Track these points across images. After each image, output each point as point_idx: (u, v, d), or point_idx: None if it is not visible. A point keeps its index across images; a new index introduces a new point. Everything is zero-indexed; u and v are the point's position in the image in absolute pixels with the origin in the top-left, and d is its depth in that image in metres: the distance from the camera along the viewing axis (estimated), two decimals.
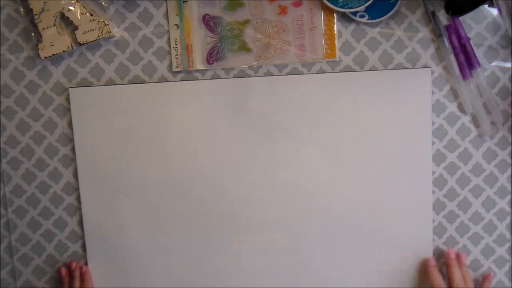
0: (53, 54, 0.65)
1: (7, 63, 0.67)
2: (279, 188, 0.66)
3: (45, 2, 0.64)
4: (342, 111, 0.65)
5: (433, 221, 0.67)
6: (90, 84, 0.67)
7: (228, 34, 0.65)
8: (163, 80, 0.67)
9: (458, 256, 0.66)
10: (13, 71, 0.67)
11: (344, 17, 0.64)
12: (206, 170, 0.67)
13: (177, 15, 0.65)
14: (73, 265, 0.68)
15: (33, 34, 0.66)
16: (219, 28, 0.65)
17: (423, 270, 0.66)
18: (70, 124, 0.67)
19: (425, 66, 0.65)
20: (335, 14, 0.64)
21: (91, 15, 0.64)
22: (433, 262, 0.65)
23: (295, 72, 0.66)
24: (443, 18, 0.64)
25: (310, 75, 0.66)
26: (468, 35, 0.63)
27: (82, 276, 0.68)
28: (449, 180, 0.66)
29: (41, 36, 0.65)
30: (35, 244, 0.70)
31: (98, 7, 0.66)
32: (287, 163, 0.66)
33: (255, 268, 0.68)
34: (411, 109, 0.65)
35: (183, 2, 0.65)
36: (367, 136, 0.65)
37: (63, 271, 0.68)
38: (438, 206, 0.67)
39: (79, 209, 0.69)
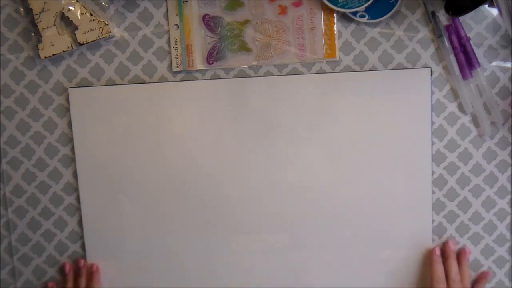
0: (53, 54, 0.65)
1: (7, 63, 0.67)
2: (279, 188, 0.66)
3: (45, 2, 0.64)
4: (342, 111, 0.65)
5: (433, 221, 0.67)
6: (90, 84, 0.67)
7: (228, 34, 0.65)
8: (163, 80, 0.67)
9: (462, 251, 0.66)
10: (13, 71, 0.67)
11: (344, 17, 0.64)
12: (206, 170, 0.67)
13: (177, 15, 0.65)
14: (81, 262, 0.68)
15: (33, 34, 0.66)
16: (219, 28, 0.65)
17: (426, 260, 0.66)
18: (70, 124, 0.67)
19: (425, 66, 0.65)
20: (335, 14, 0.64)
21: (91, 15, 0.64)
22: (438, 252, 0.65)
23: (295, 72, 0.66)
24: (443, 18, 0.64)
25: (310, 75, 0.66)
26: (468, 35, 0.63)
27: (92, 275, 0.68)
28: (449, 180, 0.66)
29: (41, 36, 0.65)
30: (35, 244, 0.70)
31: (98, 7, 0.66)
32: (287, 163, 0.66)
33: (255, 268, 0.68)
34: (411, 109, 0.65)
35: (183, 2, 0.65)
36: (367, 136, 0.65)
37: (67, 267, 0.68)
38: (438, 206, 0.67)
39: (79, 209, 0.69)
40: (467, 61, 0.63)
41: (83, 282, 0.67)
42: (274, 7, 0.65)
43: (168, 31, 0.66)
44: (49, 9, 0.64)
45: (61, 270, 0.70)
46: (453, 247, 0.66)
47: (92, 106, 0.67)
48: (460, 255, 0.66)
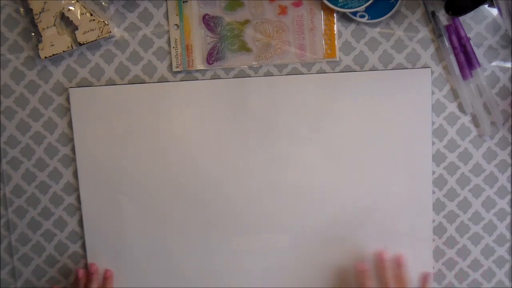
0: (53, 54, 0.65)
1: (7, 63, 0.67)
2: (279, 188, 0.66)
3: (45, 2, 0.64)
4: (342, 111, 0.65)
5: (433, 221, 0.67)
6: (90, 84, 0.67)
7: (228, 34, 0.65)
8: (163, 80, 0.67)
9: (396, 258, 0.65)
10: (13, 71, 0.67)
11: (344, 17, 0.64)
12: (206, 170, 0.67)
13: (177, 15, 0.65)
14: (94, 267, 0.67)
15: (33, 34, 0.66)
16: (219, 28, 0.65)
17: (356, 274, 0.66)
18: (70, 124, 0.67)
19: (425, 66, 0.65)
20: (335, 14, 0.64)
21: (91, 15, 0.64)
22: (363, 267, 0.65)
23: (295, 72, 0.66)
24: (443, 18, 0.64)
25: (310, 75, 0.66)
26: (468, 35, 0.63)
27: (105, 280, 0.67)
28: (449, 180, 0.66)
29: (41, 36, 0.65)
30: (35, 244, 0.70)
31: (98, 7, 0.66)
32: (287, 163, 0.66)
33: (255, 268, 0.68)
34: (411, 109, 0.65)
35: (183, 2, 0.65)
36: (367, 136, 0.65)
37: (81, 273, 0.67)
38: (438, 206, 0.67)
39: (79, 209, 0.69)
40: (467, 61, 0.63)
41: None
42: (274, 7, 0.65)
43: (168, 31, 0.66)
44: (49, 9, 0.64)
45: (61, 271, 0.70)
46: (384, 257, 0.65)
47: (92, 106, 0.67)
48: (397, 264, 0.65)
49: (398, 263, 0.65)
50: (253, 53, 0.66)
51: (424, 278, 0.66)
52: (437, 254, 0.67)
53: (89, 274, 0.67)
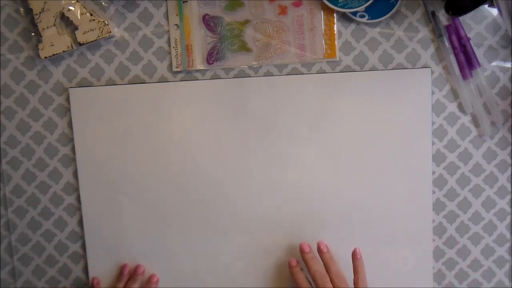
0: (53, 54, 0.65)
1: (7, 63, 0.67)
2: (279, 188, 0.66)
3: (45, 2, 0.64)
4: (342, 111, 0.65)
5: (433, 221, 0.67)
6: (90, 84, 0.67)
7: (228, 34, 0.65)
8: (163, 80, 0.67)
9: (318, 248, 0.65)
10: (13, 71, 0.67)
11: (344, 17, 0.64)
12: (206, 170, 0.67)
13: (177, 15, 0.65)
14: (141, 269, 0.67)
15: (33, 34, 0.66)
16: (219, 28, 0.65)
17: (288, 272, 0.66)
18: (70, 124, 0.67)
19: (425, 66, 0.65)
20: (335, 14, 0.64)
21: (91, 15, 0.64)
22: (294, 263, 0.65)
23: (295, 72, 0.66)
24: (443, 18, 0.64)
25: (310, 75, 0.66)
26: (468, 35, 0.63)
27: (149, 284, 0.67)
28: (449, 180, 0.66)
29: (41, 36, 0.65)
30: (35, 244, 0.70)
31: (98, 7, 0.66)
32: (287, 163, 0.66)
33: (255, 268, 0.68)
34: (411, 109, 0.65)
35: (183, 2, 0.65)
36: (367, 136, 0.65)
37: (126, 269, 0.67)
38: (438, 206, 0.67)
39: (79, 209, 0.69)
40: (467, 61, 0.63)
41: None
42: (274, 7, 0.65)
43: (168, 31, 0.66)
44: (49, 9, 0.64)
45: (61, 271, 0.70)
46: (307, 249, 0.64)
47: (92, 106, 0.67)
48: (319, 251, 0.65)
49: (320, 251, 0.64)
50: (253, 53, 0.66)
51: (353, 255, 0.64)
52: (437, 254, 0.67)
53: (134, 274, 0.67)
